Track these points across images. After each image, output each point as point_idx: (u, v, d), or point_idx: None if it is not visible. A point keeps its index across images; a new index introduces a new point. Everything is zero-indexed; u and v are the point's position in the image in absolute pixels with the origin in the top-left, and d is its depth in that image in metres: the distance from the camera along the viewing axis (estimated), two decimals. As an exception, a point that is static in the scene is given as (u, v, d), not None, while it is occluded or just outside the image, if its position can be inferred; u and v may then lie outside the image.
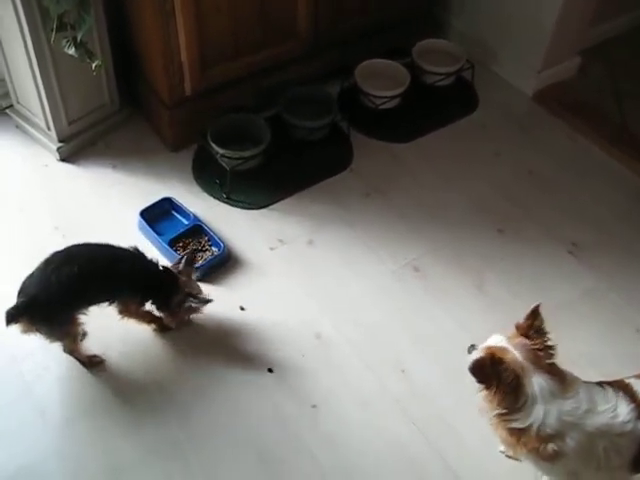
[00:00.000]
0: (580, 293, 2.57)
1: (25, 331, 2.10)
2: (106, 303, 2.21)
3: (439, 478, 2.08)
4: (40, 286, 2.08)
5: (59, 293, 2.07)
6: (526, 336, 1.80)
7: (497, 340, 1.82)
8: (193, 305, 2.27)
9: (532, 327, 1.81)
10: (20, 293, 2.10)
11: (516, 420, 1.74)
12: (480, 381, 1.77)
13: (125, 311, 2.27)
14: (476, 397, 1.83)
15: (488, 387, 1.76)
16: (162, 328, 2.38)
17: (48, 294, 2.06)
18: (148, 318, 2.35)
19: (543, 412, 1.71)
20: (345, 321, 2.45)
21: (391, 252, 2.67)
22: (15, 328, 2.07)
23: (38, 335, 2.14)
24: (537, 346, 1.78)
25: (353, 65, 3.18)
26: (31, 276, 2.12)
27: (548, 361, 1.77)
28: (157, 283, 2.24)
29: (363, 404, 2.24)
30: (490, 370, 1.73)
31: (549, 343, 1.80)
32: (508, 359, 1.74)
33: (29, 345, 2.32)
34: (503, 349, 1.77)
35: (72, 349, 2.26)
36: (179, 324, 2.36)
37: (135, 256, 2.23)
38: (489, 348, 1.79)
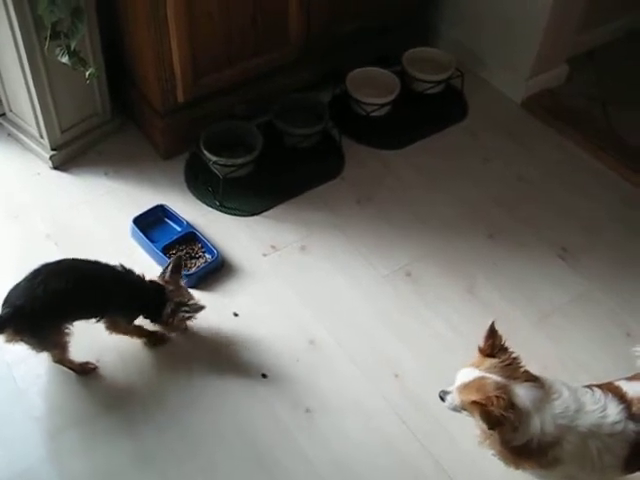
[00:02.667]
0: (570, 297, 2.60)
1: (9, 341, 2.09)
2: (94, 320, 2.20)
3: (432, 478, 2.10)
4: (26, 297, 2.05)
5: (45, 305, 2.06)
6: (491, 356, 1.79)
7: (468, 373, 1.79)
8: (186, 315, 2.24)
9: (494, 346, 1.80)
10: (5, 303, 2.08)
11: (516, 438, 1.73)
12: (498, 426, 1.72)
13: (112, 328, 2.26)
14: (484, 441, 1.83)
15: (502, 425, 1.71)
16: (153, 342, 2.37)
17: (34, 305, 2.04)
18: (138, 333, 2.34)
19: (539, 422, 1.71)
20: (338, 326, 2.47)
21: (382, 257, 2.69)
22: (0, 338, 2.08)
23: (24, 345, 2.13)
24: (507, 362, 1.77)
25: (344, 72, 3.20)
26: (17, 287, 2.10)
27: (521, 370, 1.77)
28: (145, 299, 2.22)
29: (357, 408, 2.25)
30: (495, 413, 1.68)
31: (514, 355, 1.80)
32: (491, 390, 1.70)
33: (22, 352, 2.31)
34: (478, 380, 1.75)
35: (61, 359, 2.25)
36: (175, 332, 2.36)
37: (121, 273, 2.21)
38: (465, 385, 1.77)
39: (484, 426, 1.73)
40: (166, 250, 2.61)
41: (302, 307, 2.52)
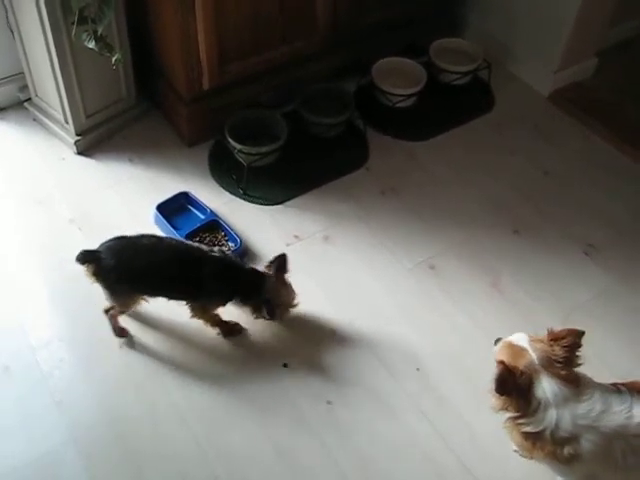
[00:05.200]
0: (595, 294, 2.57)
1: (89, 277, 2.17)
2: (184, 302, 2.26)
3: (453, 474, 2.09)
4: (118, 253, 2.16)
5: (127, 269, 2.16)
6: (554, 341, 1.79)
7: (520, 339, 1.81)
8: (263, 313, 2.27)
9: (562, 341, 1.77)
10: (102, 245, 2.18)
11: (529, 424, 1.75)
12: (504, 394, 1.76)
13: (199, 314, 2.29)
14: (489, 396, 1.83)
15: (509, 396, 1.76)
16: (226, 333, 2.37)
17: (117, 263, 2.14)
18: (216, 322, 2.35)
19: (556, 417, 1.71)
20: (360, 317, 2.46)
21: (406, 250, 2.68)
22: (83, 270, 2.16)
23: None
24: (558, 358, 1.75)
25: (370, 62, 3.18)
26: (120, 238, 2.20)
27: (564, 372, 1.75)
28: (239, 285, 2.25)
29: (378, 401, 2.24)
30: (511, 381, 1.72)
31: (573, 360, 1.77)
32: (522, 364, 1.74)
33: (45, 335, 2.35)
34: (521, 349, 1.78)
35: (113, 315, 2.30)
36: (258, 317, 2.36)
37: (219, 260, 2.24)
38: (509, 344, 1.81)
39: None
40: (189, 238, 2.60)
41: (324, 298, 2.51)
